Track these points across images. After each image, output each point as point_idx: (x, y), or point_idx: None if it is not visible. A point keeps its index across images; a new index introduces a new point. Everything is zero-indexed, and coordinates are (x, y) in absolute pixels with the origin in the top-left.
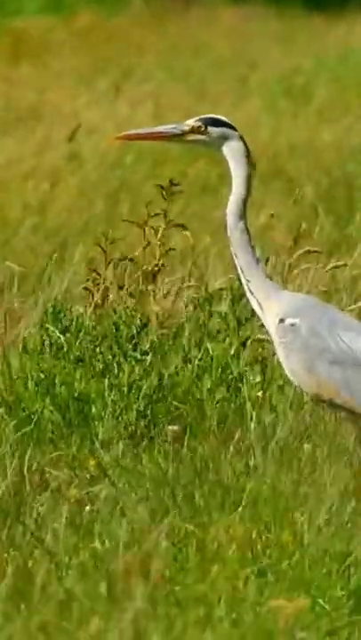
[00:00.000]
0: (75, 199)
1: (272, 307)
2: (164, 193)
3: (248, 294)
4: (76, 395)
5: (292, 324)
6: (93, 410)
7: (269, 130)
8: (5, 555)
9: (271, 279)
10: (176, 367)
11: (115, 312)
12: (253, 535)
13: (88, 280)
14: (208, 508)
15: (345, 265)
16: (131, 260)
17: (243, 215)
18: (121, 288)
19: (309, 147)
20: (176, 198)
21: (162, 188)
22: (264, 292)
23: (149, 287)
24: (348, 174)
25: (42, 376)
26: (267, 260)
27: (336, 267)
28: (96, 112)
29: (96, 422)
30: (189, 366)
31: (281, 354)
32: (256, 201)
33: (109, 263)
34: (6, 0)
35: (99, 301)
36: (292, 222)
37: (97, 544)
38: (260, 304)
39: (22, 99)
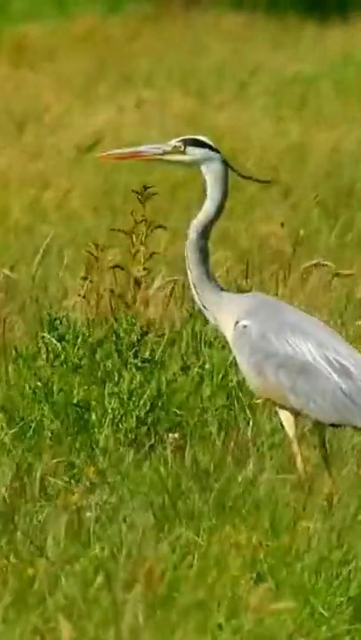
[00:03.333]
0: (74, 205)
1: (225, 314)
2: (139, 197)
3: (202, 309)
4: (74, 402)
5: (245, 326)
6: (93, 417)
7: (269, 134)
8: (6, 562)
9: (223, 289)
10: (175, 374)
11: (115, 320)
12: (253, 542)
13: (86, 288)
14: (208, 515)
15: (351, 274)
16: (117, 266)
17: (206, 235)
18: (112, 293)
19: (309, 152)
20: (175, 205)
21: (137, 193)
22: (216, 302)
23: (140, 294)
24: (347, 179)
25: (39, 383)
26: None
27: (337, 274)
28: (96, 117)
29: (96, 429)
30: (189, 374)
31: (236, 357)
32: (255, 205)
33: (100, 271)
34: (7, 4)
35: (93, 308)
36: (290, 228)
37: (97, 551)
38: (214, 316)
39: (22, 103)
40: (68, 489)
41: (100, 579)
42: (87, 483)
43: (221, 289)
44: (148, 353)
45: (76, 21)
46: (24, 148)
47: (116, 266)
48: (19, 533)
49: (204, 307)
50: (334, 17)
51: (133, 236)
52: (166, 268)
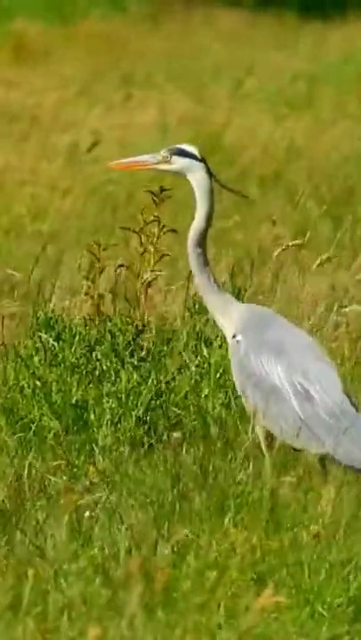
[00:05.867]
0: (74, 205)
1: (228, 321)
2: (155, 199)
3: (209, 309)
4: (73, 401)
5: (238, 342)
6: (92, 416)
7: (268, 134)
8: (5, 561)
9: (226, 292)
10: (173, 373)
11: (110, 319)
12: (253, 542)
13: (88, 287)
14: (208, 515)
15: (329, 259)
16: (122, 266)
17: (201, 242)
18: (113, 293)
19: (308, 151)
20: (174, 205)
21: (152, 194)
22: (220, 306)
23: (145, 294)
24: (347, 179)
25: (37, 383)
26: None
27: (321, 263)
28: (96, 118)
29: (95, 429)
30: (187, 372)
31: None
32: (255, 206)
33: (102, 271)
34: (7, 4)
35: (93, 308)
36: (291, 227)
37: (96, 551)
38: (218, 318)
39: (22, 103)
40: (67, 489)
41: (99, 578)
42: (87, 482)
43: (227, 292)
44: (145, 352)
45: (76, 21)
46: (23, 148)
47: (122, 265)
48: (18, 533)
49: (210, 308)
50: (334, 16)
51: (142, 237)
52: (166, 267)
